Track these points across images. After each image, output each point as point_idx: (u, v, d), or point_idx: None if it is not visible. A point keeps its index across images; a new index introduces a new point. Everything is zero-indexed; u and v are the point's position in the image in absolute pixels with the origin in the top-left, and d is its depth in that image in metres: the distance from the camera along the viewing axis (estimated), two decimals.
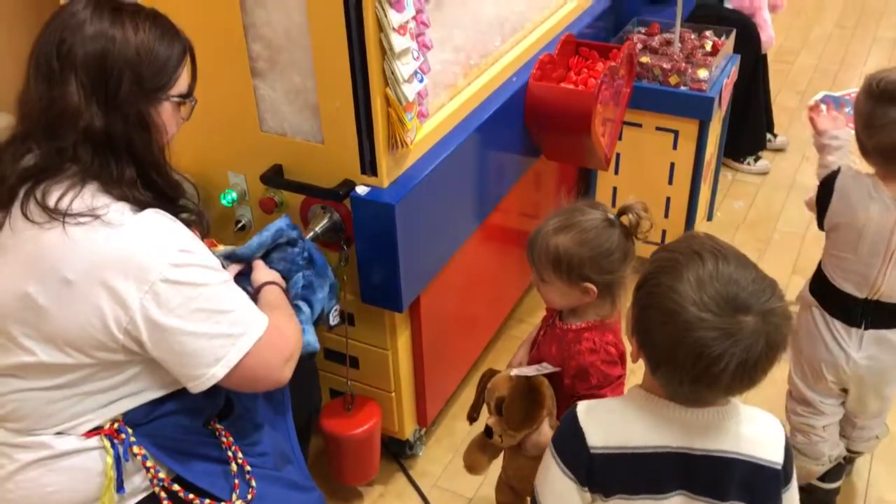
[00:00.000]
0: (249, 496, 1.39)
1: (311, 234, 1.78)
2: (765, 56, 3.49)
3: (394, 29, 1.59)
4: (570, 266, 1.51)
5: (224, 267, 1.43)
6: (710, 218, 3.09)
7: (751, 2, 3.39)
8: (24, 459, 1.29)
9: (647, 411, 1.19)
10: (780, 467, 1.18)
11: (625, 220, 1.52)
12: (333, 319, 1.77)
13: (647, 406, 1.19)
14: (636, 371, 1.32)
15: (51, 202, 1.22)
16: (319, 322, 1.73)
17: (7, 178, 1.25)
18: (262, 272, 1.59)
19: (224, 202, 1.91)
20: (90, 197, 1.24)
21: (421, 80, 1.72)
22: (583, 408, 1.23)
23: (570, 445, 1.21)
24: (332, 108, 1.70)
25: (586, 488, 1.20)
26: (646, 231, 1.51)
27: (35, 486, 1.29)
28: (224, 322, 1.29)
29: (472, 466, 1.71)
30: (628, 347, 1.25)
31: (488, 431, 1.60)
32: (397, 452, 2.26)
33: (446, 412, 2.37)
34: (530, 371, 1.57)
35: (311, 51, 1.67)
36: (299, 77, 1.74)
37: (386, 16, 1.57)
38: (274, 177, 1.83)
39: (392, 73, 1.63)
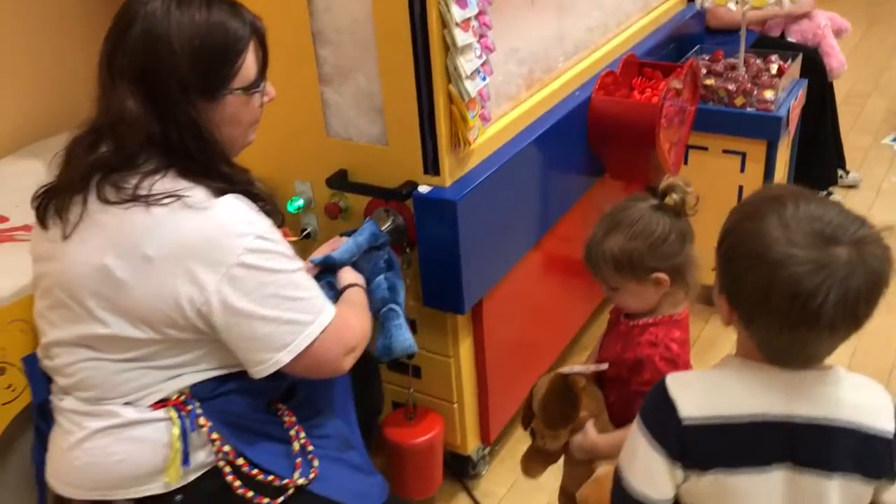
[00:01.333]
0: (311, 475, 1.38)
1: None
2: (832, 88, 3.44)
3: (457, 24, 1.62)
4: (632, 263, 1.47)
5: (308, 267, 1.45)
6: None
7: (814, 33, 3.36)
8: (93, 427, 1.30)
9: (744, 377, 1.11)
10: (891, 436, 1.09)
11: (669, 201, 1.47)
12: None
13: (743, 372, 1.11)
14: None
15: (130, 184, 1.25)
16: None
17: (79, 167, 1.28)
18: (349, 274, 1.60)
19: (290, 209, 1.95)
20: (171, 181, 1.26)
21: (483, 79, 1.74)
22: (672, 377, 1.15)
23: (660, 417, 1.12)
24: (397, 109, 1.74)
25: (679, 464, 1.11)
26: (693, 206, 1.46)
27: (102, 454, 1.30)
28: (295, 309, 1.30)
29: (527, 471, 1.66)
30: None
31: (532, 433, 1.55)
32: (461, 472, 2.21)
33: (511, 433, 2.32)
34: (576, 369, 1.53)
35: (377, 51, 1.71)
36: (365, 80, 1.78)
37: (449, 11, 1.61)
38: (339, 180, 1.87)
39: (455, 68, 1.66)
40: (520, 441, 2.29)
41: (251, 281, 1.25)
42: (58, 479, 1.34)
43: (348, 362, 1.41)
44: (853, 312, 1.01)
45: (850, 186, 3.55)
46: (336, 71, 1.81)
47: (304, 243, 1.97)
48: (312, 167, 1.91)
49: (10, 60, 2.10)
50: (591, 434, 1.49)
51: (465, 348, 1.98)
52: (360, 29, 1.72)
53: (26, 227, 1.58)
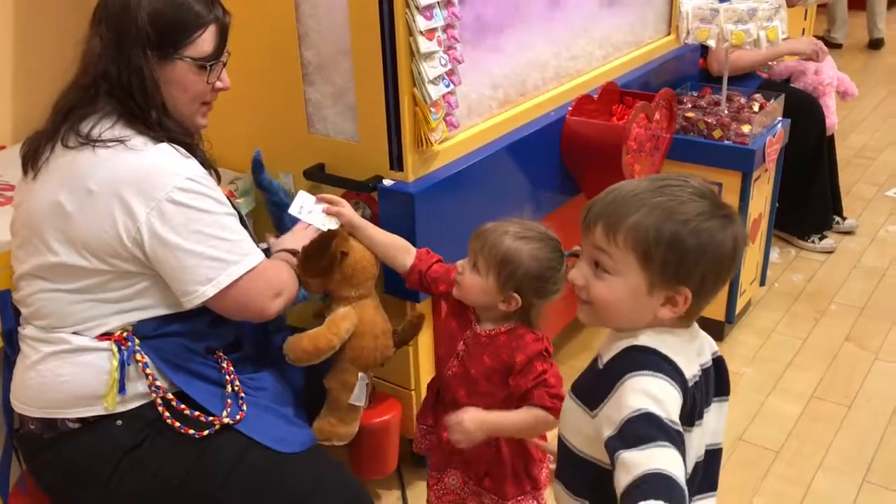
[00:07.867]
0: (238, 416, 1.52)
1: None
2: (831, 140, 3.53)
3: (421, 32, 1.80)
4: (512, 274, 1.49)
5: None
6: (762, 283, 3.09)
7: (815, 87, 3.46)
8: (46, 351, 1.47)
9: (678, 337, 1.15)
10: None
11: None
12: None
13: (673, 335, 1.14)
14: None
15: (84, 131, 1.44)
16: None
17: (54, 115, 1.48)
18: (290, 240, 1.73)
19: None
20: (119, 130, 1.46)
21: (448, 86, 1.90)
22: (653, 343, 1.11)
23: (672, 375, 1.07)
24: (368, 109, 1.91)
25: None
26: None
27: (52, 375, 1.46)
28: (220, 248, 1.45)
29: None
30: None
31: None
32: (423, 463, 2.33)
33: None
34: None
35: (352, 55, 1.89)
36: (341, 81, 1.96)
37: (414, 21, 1.78)
38: (317, 172, 2.04)
39: (419, 73, 1.83)
40: None
41: (178, 216, 1.41)
42: (16, 398, 1.51)
43: (275, 306, 1.55)
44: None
45: (846, 232, 3.62)
46: (318, 72, 2.00)
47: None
48: (295, 161, 2.09)
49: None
50: (344, 311, 1.70)
51: (425, 338, 2.11)
52: (339, 33, 1.91)
53: None
